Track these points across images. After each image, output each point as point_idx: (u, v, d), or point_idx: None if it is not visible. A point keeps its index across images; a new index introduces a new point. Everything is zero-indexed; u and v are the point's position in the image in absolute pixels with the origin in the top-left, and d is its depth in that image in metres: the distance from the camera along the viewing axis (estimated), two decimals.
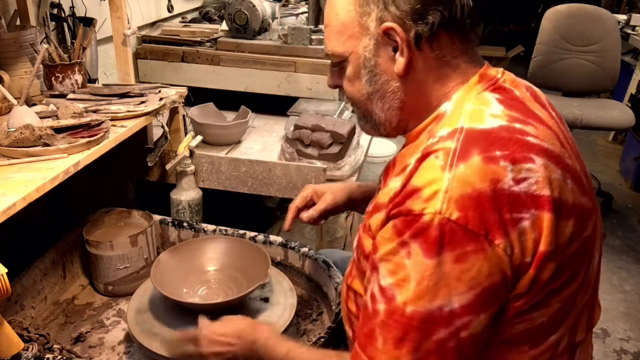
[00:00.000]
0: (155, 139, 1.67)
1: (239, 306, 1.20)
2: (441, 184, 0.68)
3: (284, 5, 2.29)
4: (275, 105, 2.03)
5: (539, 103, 0.82)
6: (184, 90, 1.60)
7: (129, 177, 1.83)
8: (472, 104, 0.76)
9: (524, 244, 0.68)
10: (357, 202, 1.18)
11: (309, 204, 1.18)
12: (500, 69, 0.84)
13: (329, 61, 0.88)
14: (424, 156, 0.73)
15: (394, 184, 0.75)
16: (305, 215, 1.16)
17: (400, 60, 0.78)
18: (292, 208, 1.17)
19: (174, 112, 1.60)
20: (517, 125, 0.73)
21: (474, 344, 0.70)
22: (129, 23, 1.65)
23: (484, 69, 0.81)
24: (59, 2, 1.66)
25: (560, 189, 0.71)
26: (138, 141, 1.59)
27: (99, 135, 1.20)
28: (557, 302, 0.74)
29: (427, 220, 0.67)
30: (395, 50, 0.78)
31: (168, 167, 1.60)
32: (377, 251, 0.74)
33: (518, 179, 0.68)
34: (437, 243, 0.67)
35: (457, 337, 0.69)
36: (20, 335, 1.06)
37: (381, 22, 0.77)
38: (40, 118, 1.23)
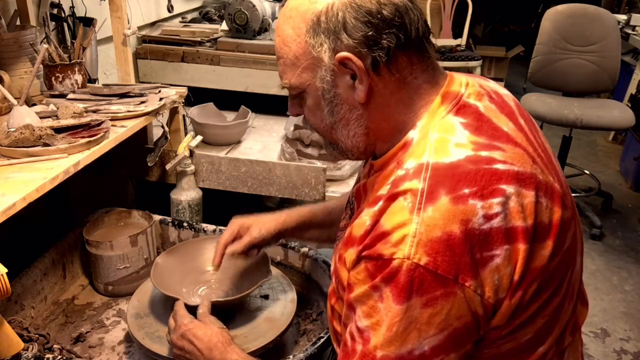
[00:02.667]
0: (155, 139, 1.67)
1: (240, 305, 1.20)
2: (409, 228, 0.67)
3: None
4: (275, 105, 2.03)
5: (506, 113, 0.79)
6: (184, 90, 1.60)
7: (129, 177, 1.83)
8: (437, 132, 0.74)
9: (498, 282, 0.68)
10: (289, 231, 1.16)
11: (237, 237, 1.16)
12: (464, 79, 0.81)
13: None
14: (393, 196, 0.71)
15: (366, 217, 0.74)
16: (229, 249, 1.13)
17: (360, 88, 0.76)
18: (221, 243, 1.15)
19: (174, 112, 1.60)
20: (484, 154, 0.71)
21: None
22: (129, 23, 1.65)
23: (446, 87, 0.79)
24: (59, 2, 1.66)
25: (532, 214, 0.70)
26: (138, 141, 1.59)
27: (99, 135, 1.20)
28: (542, 318, 0.74)
29: (396, 266, 0.67)
30: (353, 78, 0.76)
31: (168, 167, 1.60)
32: (352, 290, 0.73)
33: (489, 215, 0.67)
34: (406, 289, 0.66)
35: None
36: (20, 335, 1.06)
37: (335, 53, 0.75)
38: (40, 118, 1.23)
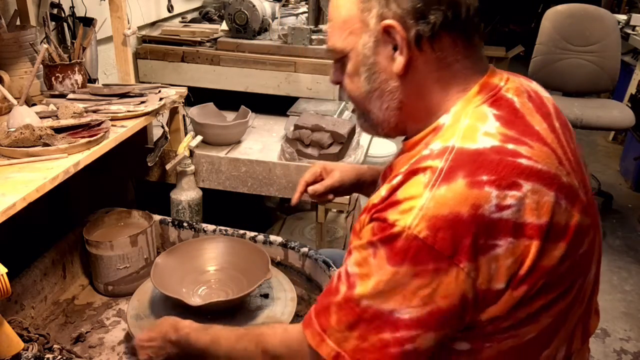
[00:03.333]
0: (155, 139, 1.67)
1: (240, 305, 1.21)
2: (419, 201, 0.68)
3: (284, 5, 2.29)
4: (275, 105, 2.03)
5: (542, 113, 0.79)
6: (184, 90, 1.60)
7: (129, 177, 1.83)
8: (469, 119, 0.74)
9: (494, 271, 0.68)
10: (365, 185, 1.19)
11: (318, 179, 1.19)
12: (505, 76, 0.81)
13: (329, 61, 0.88)
14: (414, 172, 0.72)
15: (383, 191, 0.75)
16: (311, 188, 1.17)
17: (400, 60, 0.76)
18: (302, 182, 1.19)
19: (174, 112, 1.60)
20: (510, 146, 0.71)
21: (418, 359, 0.71)
22: (129, 23, 1.65)
23: (487, 77, 0.79)
24: (59, 2, 1.66)
25: (550, 212, 0.70)
26: (138, 141, 1.59)
27: (99, 135, 1.20)
28: (548, 318, 0.74)
29: (396, 232, 0.68)
30: (395, 49, 0.77)
31: (168, 167, 1.60)
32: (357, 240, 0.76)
33: (502, 206, 0.67)
34: (401, 254, 0.68)
35: (402, 347, 0.70)
36: (20, 335, 1.06)
37: (382, 19, 0.76)
38: (40, 118, 1.23)
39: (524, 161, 0.71)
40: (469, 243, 0.67)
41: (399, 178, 0.73)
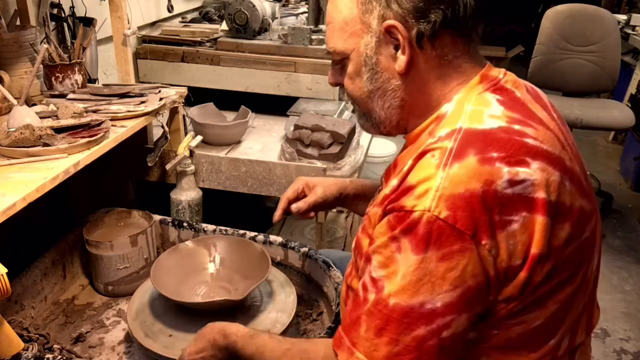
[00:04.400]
0: (155, 139, 1.67)
1: (240, 305, 1.20)
2: (434, 182, 0.68)
3: (284, 5, 2.29)
4: (275, 105, 2.03)
5: (540, 104, 0.82)
6: (184, 90, 1.60)
7: (129, 177, 1.83)
8: (472, 105, 0.76)
9: (512, 247, 0.69)
10: (349, 198, 1.18)
11: (300, 195, 1.17)
12: (503, 70, 0.83)
13: (329, 61, 0.88)
14: (421, 154, 0.73)
15: (393, 181, 0.75)
16: (294, 206, 1.15)
17: (402, 59, 0.78)
18: (283, 199, 1.17)
19: (174, 112, 1.60)
20: (516, 127, 0.73)
21: (454, 343, 0.71)
22: (129, 23, 1.65)
23: (485, 70, 0.81)
24: (59, 2, 1.66)
25: (557, 191, 0.71)
26: (138, 141, 1.59)
27: (99, 135, 1.20)
28: (554, 304, 0.74)
29: (416, 217, 0.68)
30: (396, 48, 0.78)
31: (168, 167, 1.60)
32: (372, 243, 0.75)
33: (513, 181, 0.68)
34: (424, 240, 0.68)
35: (439, 336, 0.69)
36: (20, 335, 1.06)
37: (383, 20, 0.77)
38: (40, 118, 1.23)
39: (530, 141, 0.72)
40: (487, 220, 0.67)
41: (409, 163, 0.74)
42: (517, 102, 0.78)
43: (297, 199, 1.17)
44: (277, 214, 1.16)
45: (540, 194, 0.69)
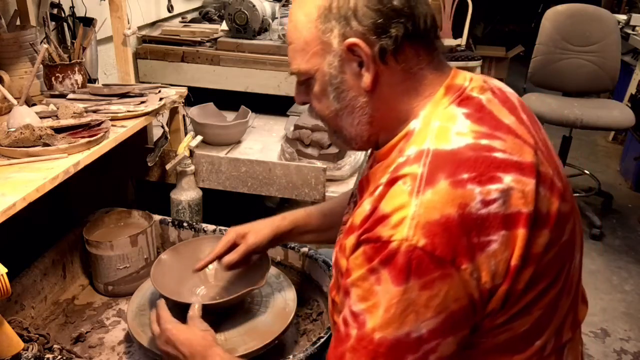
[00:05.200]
0: (155, 139, 1.67)
1: (240, 305, 1.20)
2: (408, 210, 0.67)
3: (284, 5, 2.29)
4: (275, 105, 2.03)
5: (508, 107, 0.80)
6: (184, 90, 1.60)
7: (129, 177, 1.83)
8: (439, 121, 0.75)
9: (494, 267, 0.68)
10: (288, 235, 1.17)
11: (235, 246, 1.16)
12: (469, 75, 0.82)
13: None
14: (393, 181, 0.72)
15: (366, 204, 0.74)
16: (225, 259, 1.14)
17: (367, 76, 0.77)
18: (213, 253, 1.15)
19: (174, 112, 1.60)
20: (484, 142, 0.72)
21: None
22: (129, 23, 1.65)
23: (450, 79, 0.80)
24: (59, 2, 1.66)
25: (533, 201, 0.70)
26: (138, 141, 1.59)
27: (99, 135, 1.20)
28: (539, 310, 0.74)
29: (394, 247, 0.67)
30: (360, 65, 0.77)
31: (168, 167, 1.60)
32: (349, 275, 0.73)
33: (486, 201, 0.68)
34: (404, 270, 0.67)
35: None
36: (20, 335, 1.06)
37: (344, 39, 0.76)
38: (40, 118, 1.23)
39: (499, 155, 0.71)
40: (464, 244, 0.67)
41: (380, 189, 0.73)
42: (483, 112, 0.77)
43: (229, 250, 1.15)
44: (199, 265, 1.15)
45: (516, 208, 0.69)
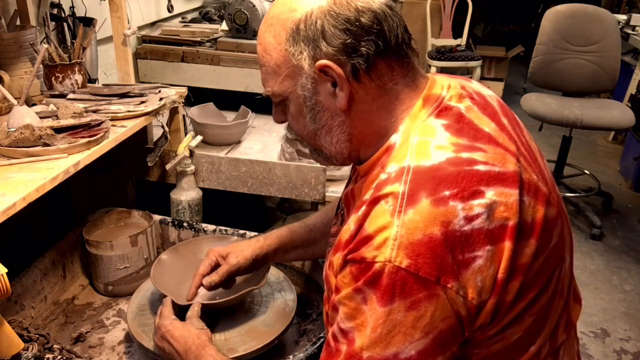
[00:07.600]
0: (155, 139, 1.67)
1: (239, 305, 1.20)
2: (390, 231, 0.67)
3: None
4: None
5: (488, 113, 0.79)
6: (184, 90, 1.60)
7: (129, 177, 1.83)
8: (418, 135, 0.74)
9: (481, 283, 0.68)
10: (271, 255, 1.16)
11: (216, 267, 1.15)
12: (446, 82, 0.81)
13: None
14: (375, 200, 0.71)
15: (351, 222, 0.74)
16: (206, 280, 1.12)
17: (341, 95, 0.76)
18: (197, 275, 1.14)
19: (174, 112, 1.60)
20: (464, 155, 0.71)
21: None
22: (129, 23, 1.65)
23: (428, 89, 0.79)
24: (59, 2, 1.66)
25: (517, 212, 0.70)
26: (138, 141, 1.59)
27: (99, 135, 1.20)
28: (531, 316, 0.74)
29: (378, 269, 0.67)
30: (334, 85, 0.77)
31: (168, 167, 1.60)
32: (338, 292, 0.74)
33: (469, 217, 0.67)
34: (389, 291, 0.67)
35: None
36: (20, 335, 1.06)
37: (315, 61, 0.75)
38: (40, 118, 1.23)
39: (481, 167, 0.71)
40: (449, 262, 0.66)
41: (363, 209, 0.73)
42: (463, 122, 0.76)
43: (212, 271, 1.14)
44: (190, 292, 1.13)
45: (500, 222, 0.68)
